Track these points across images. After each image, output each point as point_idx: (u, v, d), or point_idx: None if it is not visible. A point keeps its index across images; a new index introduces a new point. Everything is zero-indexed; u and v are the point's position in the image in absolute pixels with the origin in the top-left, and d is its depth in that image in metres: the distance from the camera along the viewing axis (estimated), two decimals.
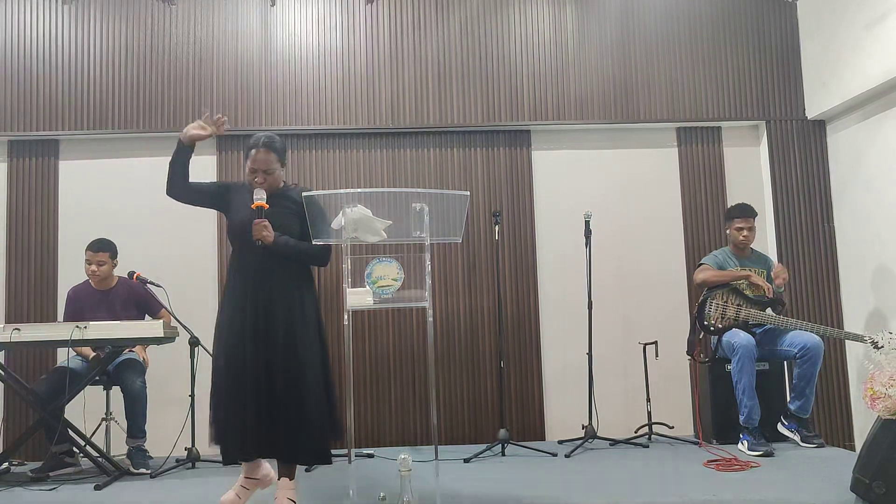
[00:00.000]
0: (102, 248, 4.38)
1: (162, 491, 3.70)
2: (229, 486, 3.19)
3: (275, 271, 3.11)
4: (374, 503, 3.05)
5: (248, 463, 3.19)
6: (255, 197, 3.10)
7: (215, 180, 3.37)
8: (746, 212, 4.61)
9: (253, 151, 3.17)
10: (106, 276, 4.40)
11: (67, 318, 4.37)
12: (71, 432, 4.00)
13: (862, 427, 4.80)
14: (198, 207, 3.38)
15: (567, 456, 4.26)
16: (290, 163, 5.10)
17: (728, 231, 4.66)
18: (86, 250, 4.39)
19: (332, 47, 5.19)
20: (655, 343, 4.75)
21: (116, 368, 4.26)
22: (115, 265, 4.44)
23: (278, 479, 3.14)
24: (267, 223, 3.06)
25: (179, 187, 3.20)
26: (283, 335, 3.05)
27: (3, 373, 4.07)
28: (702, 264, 4.64)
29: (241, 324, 3.07)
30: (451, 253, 5.08)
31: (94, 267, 4.36)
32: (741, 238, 4.57)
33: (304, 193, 3.10)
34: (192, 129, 3.13)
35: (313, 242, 3.11)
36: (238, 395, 3.02)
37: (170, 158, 3.15)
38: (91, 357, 4.26)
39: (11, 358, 4.77)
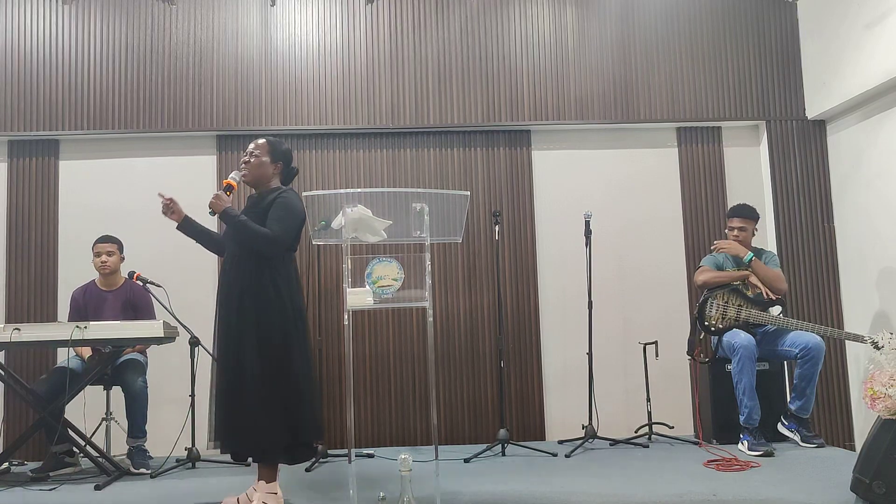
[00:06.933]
0: (110, 240, 4.44)
1: (162, 491, 3.69)
2: (229, 485, 3.18)
3: (231, 271, 3.21)
4: (374, 503, 3.05)
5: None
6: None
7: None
8: (736, 212, 4.64)
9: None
10: (114, 270, 4.43)
11: (72, 317, 4.41)
12: (71, 432, 4.00)
13: (862, 427, 4.80)
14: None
15: (567, 456, 4.26)
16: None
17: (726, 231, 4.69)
18: (94, 245, 4.44)
19: (332, 47, 5.18)
20: (655, 343, 4.75)
21: (117, 368, 4.26)
22: (123, 260, 4.47)
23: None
24: (221, 194, 3.21)
25: (216, 249, 3.51)
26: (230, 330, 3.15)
27: (3, 373, 4.07)
28: (701, 266, 4.66)
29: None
30: (451, 253, 5.08)
31: (103, 257, 4.40)
32: (731, 238, 4.59)
33: (304, 193, 3.10)
34: (168, 216, 3.40)
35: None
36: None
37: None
38: (87, 356, 4.26)
39: (11, 358, 4.77)
